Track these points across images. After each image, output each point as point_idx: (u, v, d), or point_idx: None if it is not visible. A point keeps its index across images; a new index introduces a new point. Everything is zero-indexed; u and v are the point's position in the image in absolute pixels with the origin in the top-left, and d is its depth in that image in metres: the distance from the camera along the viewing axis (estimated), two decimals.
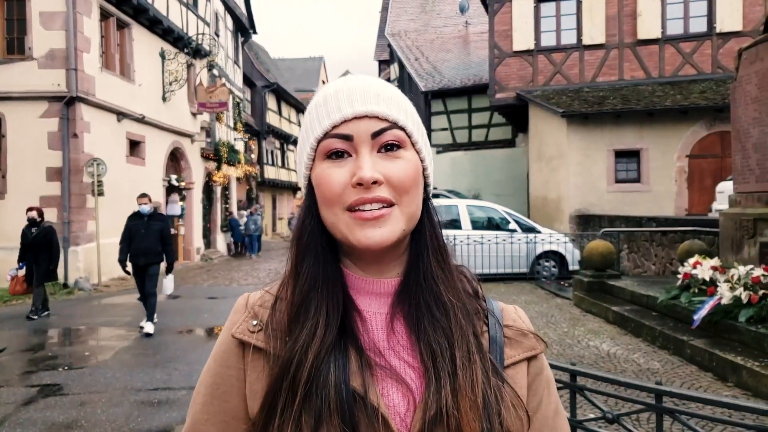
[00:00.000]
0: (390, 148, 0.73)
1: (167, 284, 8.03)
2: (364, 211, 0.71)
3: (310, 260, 0.76)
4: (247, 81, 27.00)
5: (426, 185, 0.79)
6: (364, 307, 0.77)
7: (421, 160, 0.77)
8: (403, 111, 0.76)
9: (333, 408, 0.68)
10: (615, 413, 2.40)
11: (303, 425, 0.69)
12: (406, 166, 0.73)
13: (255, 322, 0.77)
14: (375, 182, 0.71)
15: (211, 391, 0.78)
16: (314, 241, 0.77)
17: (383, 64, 33.52)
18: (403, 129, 0.74)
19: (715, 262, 6.14)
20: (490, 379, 0.73)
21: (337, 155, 0.73)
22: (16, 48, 11.61)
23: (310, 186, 0.77)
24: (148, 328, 7.47)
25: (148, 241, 7.48)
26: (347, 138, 0.72)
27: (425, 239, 0.78)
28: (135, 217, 7.65)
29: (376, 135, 0.73)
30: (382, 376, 0.72)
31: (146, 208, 7.56)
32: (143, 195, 7.63)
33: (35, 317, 8.38)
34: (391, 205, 0.72)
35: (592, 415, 2.75)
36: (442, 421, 0.69)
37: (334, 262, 0.77)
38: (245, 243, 20.86)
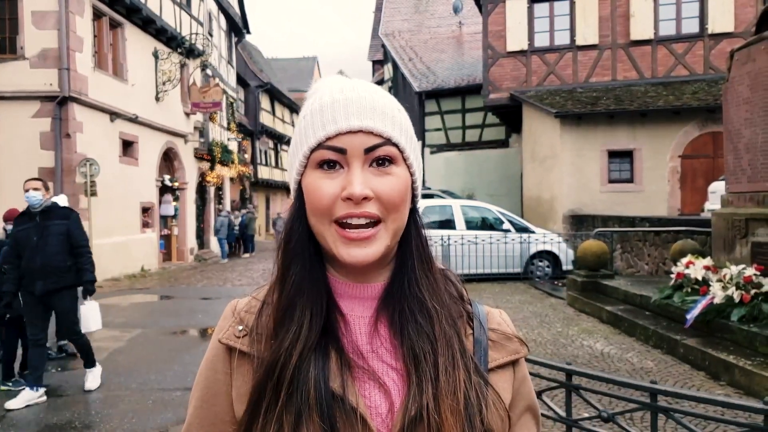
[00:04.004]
0: (382, 163, 0.74)
1: (88, 314, 5.25)
2: (350, 228, 0.72)
3: (297, 265, 0.77)
4: (241, 81, 26.94)
5: (414, 196, 0.80)
6: (348, 311, 0.78)
7: (411, 174, 0.78)
8: (398, 126, 0.76)
9: (312, 406, 0.70)
10: (610, 412, 2.42)
11: (284, 423, 0.70)
12: (396, 182, 0.74)
13: (241, 328, 0.79)
14: (365, 198, 0.72)
15: (201, 396, 0.80)
16: (301, 245, 0.78)
17: (377, 65, 33.52)
18: (396, 145, 0.75)
19: (708, 261, 6.18)
20: (472, 379, 0.75)
21: (329, 165, 0.74)
22: (8, 47, 11.54)
23: (299, 191, 0.78)
24: (91, 381, 5.13)
25: (46, 254, 4.80)
26: (340, 151, 0.73)
27: (411, 248, 0.79)
28: (23, 219, 5.00)
29: (369, 150, 0.73)
30: (363, 377, 0.74)
31: (36, 197, 4.90)
32: (35, 179, 5.15)
33: None
34: (377, 221, 0.73)
35: (586, 414, 2.77)
36: (423, 424, 0.70)
37: (320, 267, 0.78)
38: (220, 244, 19.13)
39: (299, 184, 0.78)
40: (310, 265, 0.77)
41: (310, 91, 0.82)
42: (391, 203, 0.73)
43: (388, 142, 0.74)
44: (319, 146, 0.74)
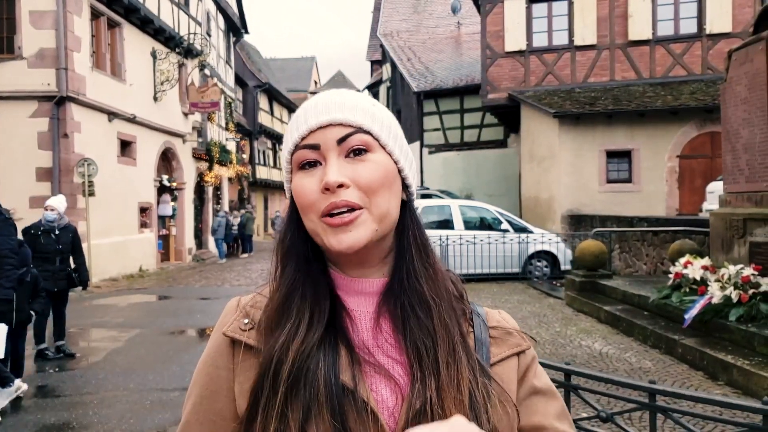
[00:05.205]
0: (358, 152, 0.76)
1: None
2: (333, 216, 0.74)
3: (291, 264, 0.79)
4: (239, 81, 26.92)
5: (407, 186, 0.81)
6: (353, 307, 0.79)
7: (395, 162, 0.79)
8: (369, 116, 0.78)
9: (322, 402, 0.70)
10: (608, 412, 2.42)
11: (290, 420, 0.70)
12: (373, 167, 0.76)
13: (246, 321, 0.79)
14: (341, 186, 0.73)
15: (201, 392, 0.80)
16: (296, 247, 0.80)
17: (375, 65, 33.52)
18: (368, 132, 0.77)
19: (706, 261, 6.18)
20: (478, 379, 0.75)
21: (309, 165, 0.77)
22: (6, 47, 11.50)
23: (292, 195, 0.80)
24: None
25: None
26: (315, 147, 0.76)
27: (408, 239, 0.80)
28: None
29: (341, 141, 0.75)
30: (370, 372, 0.74)
31: None
32: None
33: None
34: (359, 208, 0.74)
35: (585, 414, 2.77)
36: (427, 417, 0.71)
37: (319, 266, 0.80)
38: (217, 245, 19.19)
39: (291, 191, 0.80)
40: (306, 264, 0.79)
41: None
42: (369, 188, 0.75)
43: (360, 130, 0.76)
44: (296, 148, 0.78)
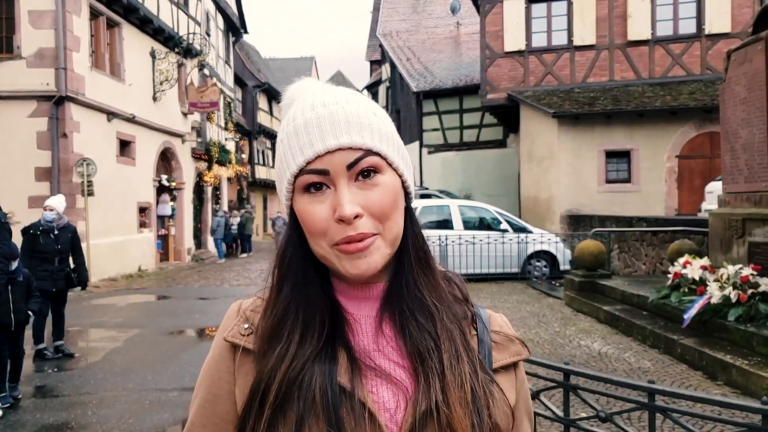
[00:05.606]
0: (367, 174, 0.74)
1: None
2: (349, 243, 0.73)
3: (288, 288, 0.78)
4: (238, 81, 26.92)
5: (407, 194, 0.80)
6: (354, 311, 0.79)
7: (400, 176, 0.78)
8: (376, 133, 0.75)
9: (318, 409, 0.70)
10: (608, 412, 2.42)
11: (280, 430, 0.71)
12: (384, 192, 0.74)
13: (246, 326, 0.79)
14: (356, 216, 0.72)
15: (205, 395, 0.80)
16: (294, 267, 0.79)
17: (375, 65, 33.54)
18: (377, 154, 0.75)
19: (705, 261, 6.19)
20: (479, 375, 0.76)
21: (315, 188, 0.74)
22: (5, 47, 11.49)
23: (292, 215, 0.78)
24: None
25: None
26: (323, 173, 0.73)
27: (408, 247, 0.80)
28: None
29: (351, 166, 0.73)
30: (371, 375, 0.74)
31: None
32: None
33: None
34: (373, 235, 0.73)
35: (584, 414, 2.77)
36: (433, 417, 0.71)
37: (317, 282, 0.78)
38: (217, 245, 19.21)
39: (291, 209, 0.78)
40: (304, 282, 0.78)
41: (284, 102, 0.83)
42: (383, 215, 0.74)
43: (369, 152, 0.74)
44: (302, 172, 0.74)
